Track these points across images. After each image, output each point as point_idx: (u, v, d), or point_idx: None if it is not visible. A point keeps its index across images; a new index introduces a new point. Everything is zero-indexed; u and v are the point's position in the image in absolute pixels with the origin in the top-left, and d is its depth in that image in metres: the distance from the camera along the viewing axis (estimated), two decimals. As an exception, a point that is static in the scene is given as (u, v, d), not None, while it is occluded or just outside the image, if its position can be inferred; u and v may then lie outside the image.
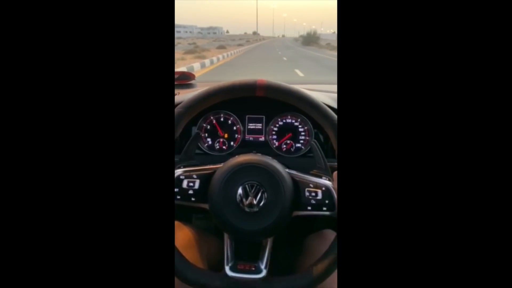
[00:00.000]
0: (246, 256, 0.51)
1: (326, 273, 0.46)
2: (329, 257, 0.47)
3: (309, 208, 0.50)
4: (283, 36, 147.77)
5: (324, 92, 0.84)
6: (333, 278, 0.46)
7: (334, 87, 0.95)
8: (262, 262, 0.50)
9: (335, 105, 0.71)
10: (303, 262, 0.66)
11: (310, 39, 32.45)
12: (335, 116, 0.48)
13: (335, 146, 0.48)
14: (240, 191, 0.48)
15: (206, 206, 0.50)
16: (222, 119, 0.79)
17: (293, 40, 58.60)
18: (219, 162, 0.52)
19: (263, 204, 0.47)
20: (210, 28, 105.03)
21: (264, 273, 0.49)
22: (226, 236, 0.51)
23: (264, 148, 0.79)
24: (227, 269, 0.49)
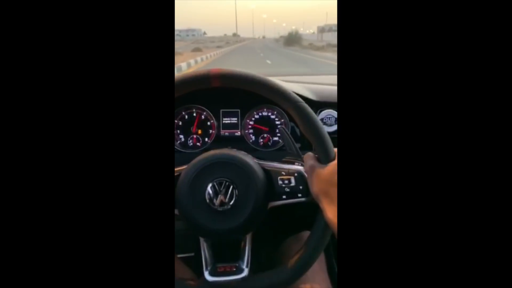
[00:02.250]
0: (227, 256, 0.49)
1: (305, 267, 0.46)
2: (307, 251, 0.46)
3: (284, 197, 0.49)
4: (264, 37, 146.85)
5: (298, 83, 0.83)
6: (318, 274, 0.45)
7: (309, 78, 1.09)
8: (243, 261, 0.48)
9: (308, 95, 0.74)
10: (285, 259, 0.66)
11: (292, 40, 31.15)
12: (295, 96, 0.45)
13: (301, 128, 0.46)
14: (209, 190, 0.45)
15: (176, 211, 0.48)
16: (194, 114, 0.76)
17: (274, 41, 57.54)
18: (189, 161, 0.50)
19: (235, 200, 0.45)
20: (189, 30, 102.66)
21: (245, 272, 0.47)
22: (201, 239, 0.49)
23: (240, 143, 0.76)
24: (206, 274, 0.47)
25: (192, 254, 0.77)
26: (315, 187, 0.43)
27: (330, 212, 0.39)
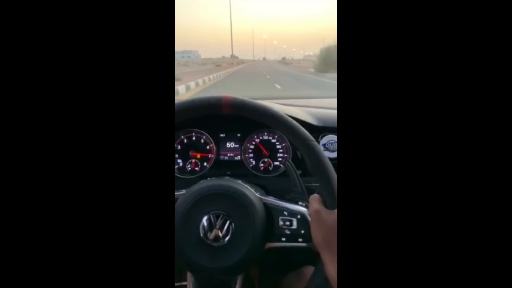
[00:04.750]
0: None
1: None
2: None
3: (283, 239, 0.45)
4: (264, 59, 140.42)
5: (301, 107, 0.81)
6: None
7: (313, 102, 1.03)
8: None
9: (309, 120, 0.72)
10: None
11: (332, 59, 15.25)
12: (307, 134, 0.43)
13: (308, 166, 0.43)
14: (204, 222, 0.43)
15: None
16: (193, 138, 0.74)
17: (278, 63, 49.38)
18: (188, 187, 0.48)
19: (231, 236, 0.43)
20: (184, 51, 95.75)
21: None
22: (189, 275, 0.46)
23: (240, 168, 0.74)
24: None
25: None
26: (318, 235, 0.39)
27: (331, 267, 0.36)
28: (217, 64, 30.02)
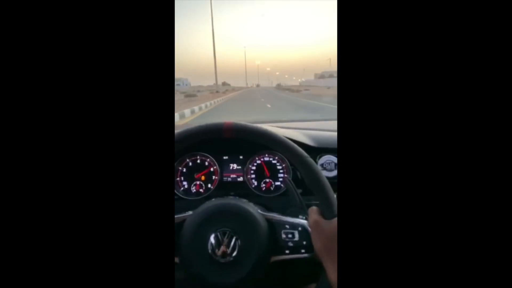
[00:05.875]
0: None
1: None
2: None
3: (287, 251, 0.47)
4: (258, 85, 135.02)
5: (297, 130, 0.86)
6: None
7: (308, 124, 1.13)
8: None
9: (307, 141, 0.77)
10: None
11: None
12: (303, 152, 0.46)
13: (306, 180, 0.46)
14: (212, 240, 0.45)
15: (176, 259, 0.47)
16: (198, 161, 0.77)
17: (276, 89, 42.15)
18: (193, 208, 0.50)
19: (237, 252, 0.45)
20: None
21: None
22: None
23: (242, 188, 0.77)
24: None
25: None
26: (318, 243, 0.41)
27: (332, 273, 0.37)
28: (187, 94, 20.21)
